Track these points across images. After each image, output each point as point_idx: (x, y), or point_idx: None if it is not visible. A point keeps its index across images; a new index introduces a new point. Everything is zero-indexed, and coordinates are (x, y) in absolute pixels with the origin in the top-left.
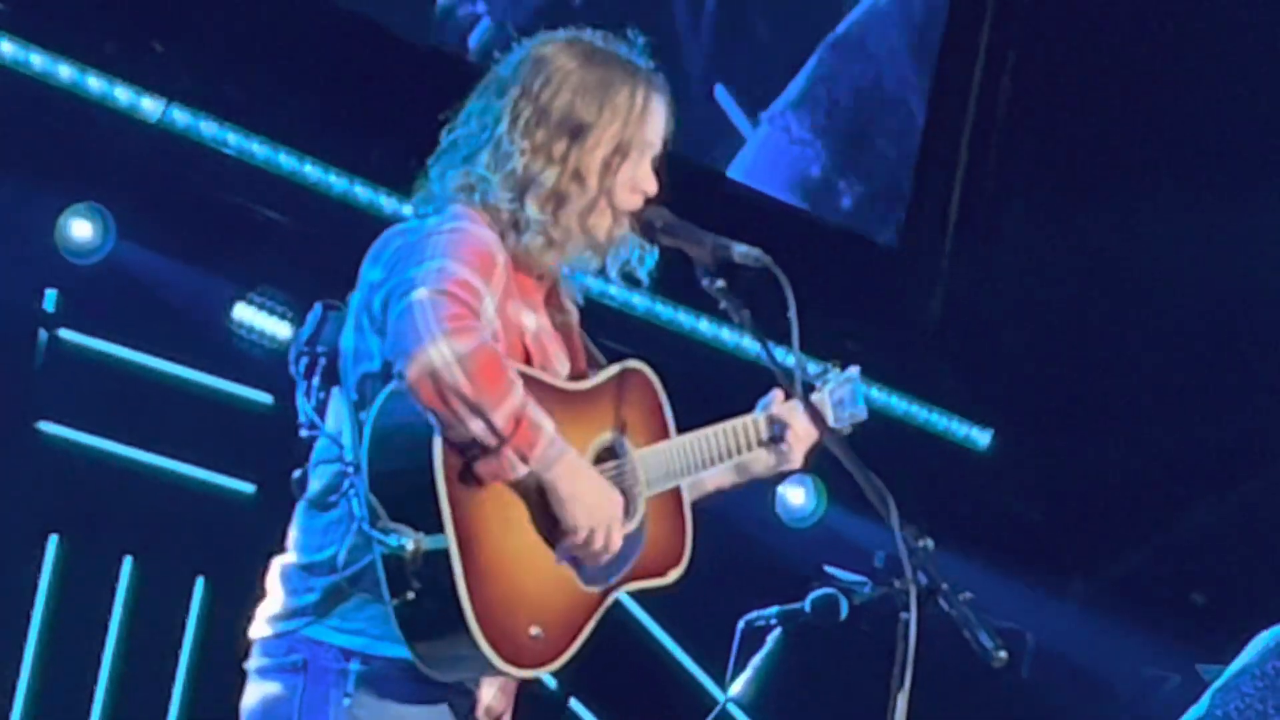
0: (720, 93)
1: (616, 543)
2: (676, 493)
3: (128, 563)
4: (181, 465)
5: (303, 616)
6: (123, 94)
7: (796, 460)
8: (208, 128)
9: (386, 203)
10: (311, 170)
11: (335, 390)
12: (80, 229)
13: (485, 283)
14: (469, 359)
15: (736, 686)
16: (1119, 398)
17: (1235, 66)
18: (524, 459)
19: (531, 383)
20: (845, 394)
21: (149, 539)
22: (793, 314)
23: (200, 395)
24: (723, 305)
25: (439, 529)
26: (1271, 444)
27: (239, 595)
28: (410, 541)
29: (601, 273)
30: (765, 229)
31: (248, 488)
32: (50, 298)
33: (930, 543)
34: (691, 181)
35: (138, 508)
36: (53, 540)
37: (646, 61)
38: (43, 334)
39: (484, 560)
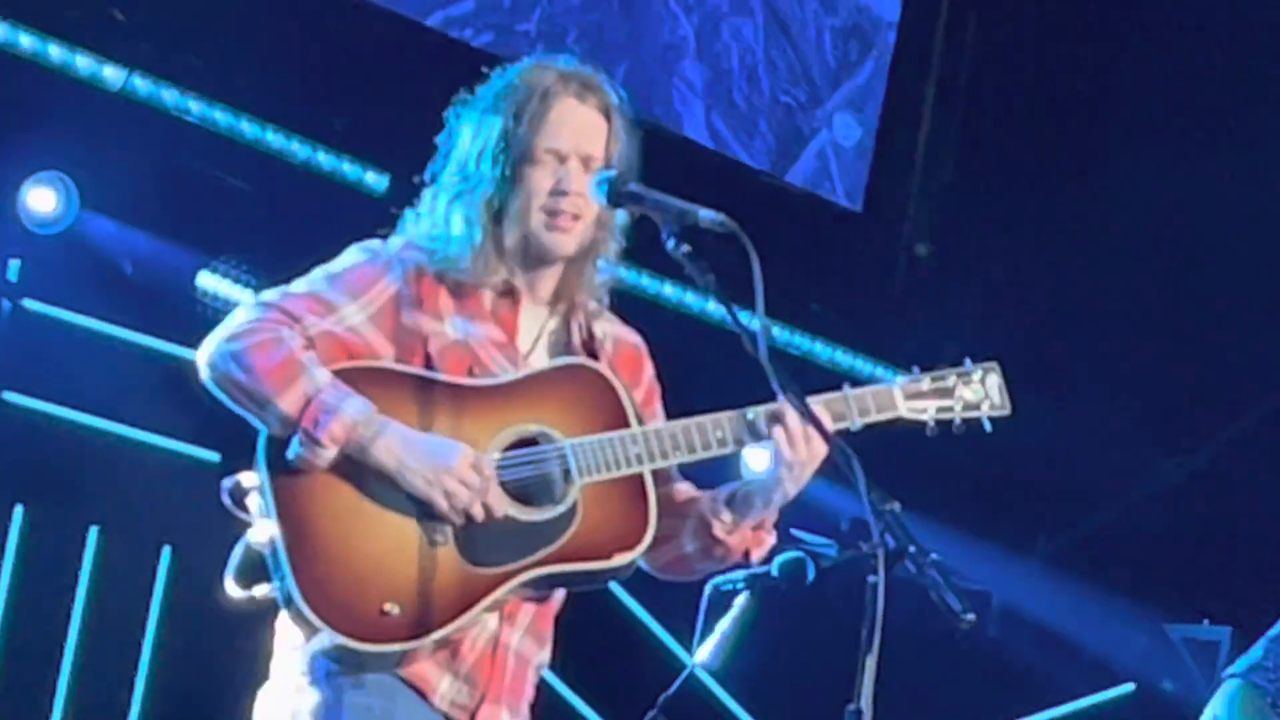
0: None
1: (472, 481)
2: (638, 480)
3: (93, 532)
4: (146, 434)
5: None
6: (84, 63)
7: (795, 454)
8: (170, 96)
9: (349, 169)
10: (274, 138)
11: None
12: (42, 199)
13: (352, 296)
14: (244, 353)
15: (704, 651)
16: (1084, 358)
17: (1199, 20)
18: (316, 440)
19: (414, 381)
20: (959, 386)
21: (115, 508)
22: (758, 278)
23: (165, 364)
24: (688, 270)
25: (272, 519)
26: (1236, 403)
27: (205, 564)
28: (264, 534)
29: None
30: (728, 193)
31: (213, 456)
32: (13, 268)
33: (897, 506)
34: (656, 146)
35: (103, 477)
36: (18, 511)
37: (575, 69)
38: (6, 304)
39: (319, 542)
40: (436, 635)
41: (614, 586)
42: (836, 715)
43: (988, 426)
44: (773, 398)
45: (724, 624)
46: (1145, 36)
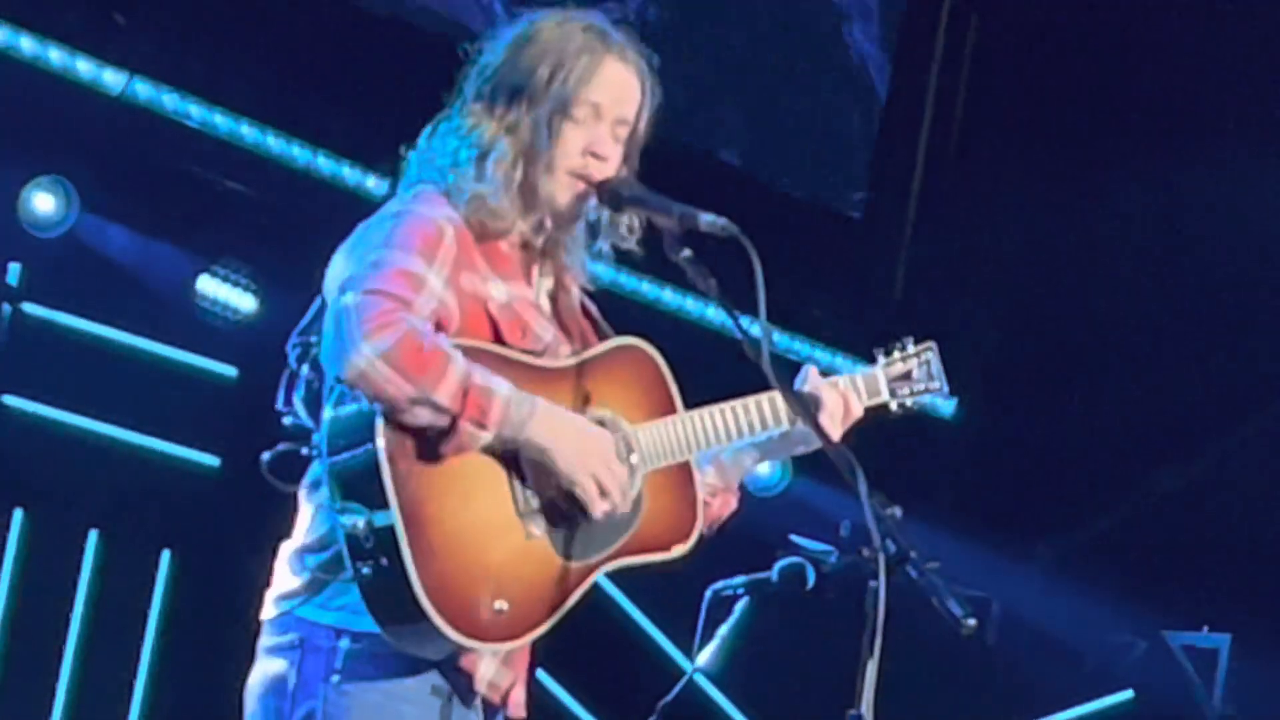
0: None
1: (622, 475)
2: (686, 468)
3: (93, 536)
4: (146, 438)
5: (297, 596)
6: (85, 66)
7: (829, 437)
8: (170, 100)
9: (349, 174)
10: (274, 142)
11: None
12: (43, 202)
13: (428, 263)
14: (392, 353)
15: (703, 656)
16: (1083, 365)
17: (1200, 33)
18: (482, 426)
19: (498, 360)
20: (914, 368)
21: (114, 512)
22: (760, 284)
23: (164, 368)
24: (690, 275)
25: (385, 506)
26: (1235, 409)
27: (205, 568)
28: (361, 518)
29: (597, 254)
30: (729, 199)
31: (212, 460)
32: (13, 271)
33: (898, 511)
34: (654, 152)
35: (103, 481)
36: (18, 514)
37: (618, 32)
38: (6, 308)
39: (436, 535)
40: (539, 631)
41: (613, 592)
42: None
43: (926, 405)
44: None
45: (724, 629)
46: (1150, 44)
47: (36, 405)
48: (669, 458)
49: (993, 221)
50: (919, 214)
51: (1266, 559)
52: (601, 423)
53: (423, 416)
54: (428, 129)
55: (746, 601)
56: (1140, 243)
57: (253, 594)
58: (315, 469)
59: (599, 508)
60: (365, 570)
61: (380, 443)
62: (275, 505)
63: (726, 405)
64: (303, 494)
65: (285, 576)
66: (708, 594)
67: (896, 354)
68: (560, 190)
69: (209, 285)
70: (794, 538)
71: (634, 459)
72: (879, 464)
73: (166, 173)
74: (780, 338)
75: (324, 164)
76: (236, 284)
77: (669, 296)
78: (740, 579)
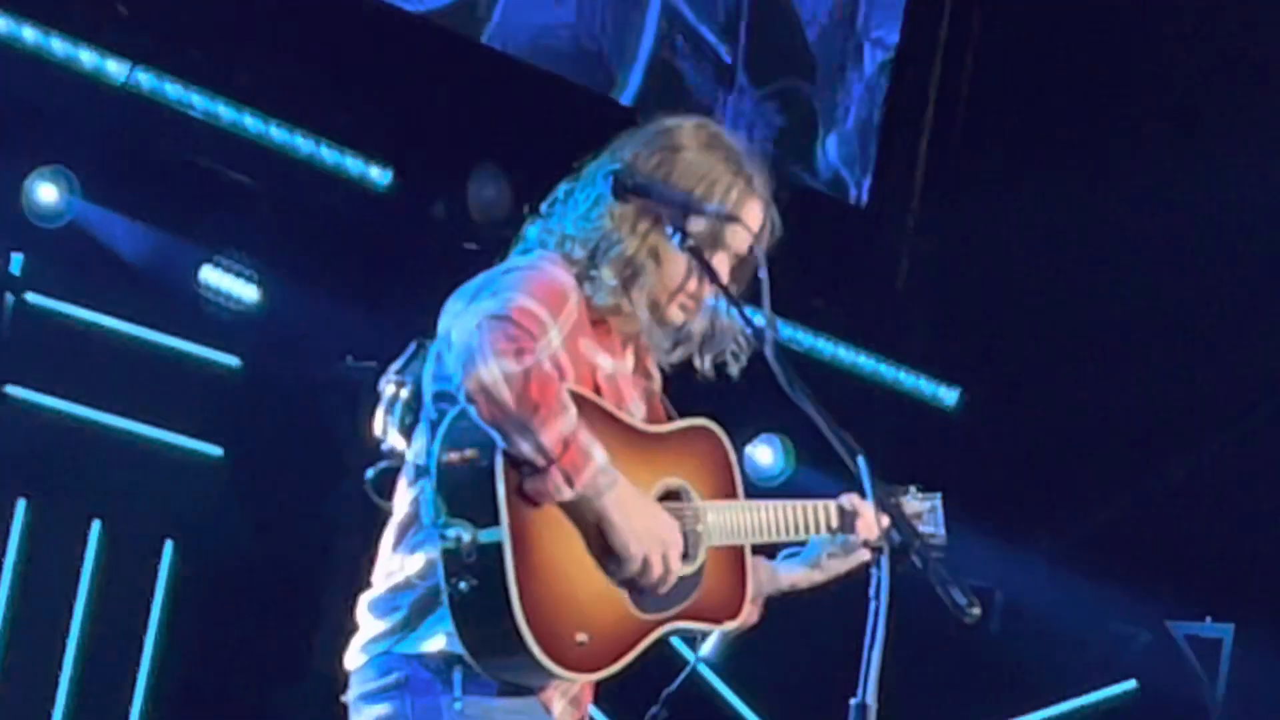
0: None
1: (675, 567)
2: (739, 552)
3: (96, 526)
4: (149, 428)
5: (393, 635)
6: (87, 56)
7: (863, 552)
8: (173, 90)
9: (352, 165)
10: (278, 133)
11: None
12: (46, 192)
13: (553, 316)
14: (517, 379)
15: (706, 646)
16: (1086, 355)
17: (1206, 26)
18: (570, 482)
19: (600, 414)
20: (924, 511)
21: (117, 502)
22: (763, 272)
23: (168, 358)
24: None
25: (494, 523)
26: (1239, 400)
27: (207, 558)
28: (466, 533)
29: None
30: None
31: (215, 450)
32: (16, 261)
33: (906, 496)
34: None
35: (106, 471)
36: (21, 504)
37: (761, 163)
38: (9, 298)
39: (536, 559)
40: (605, 673)
41: None
42: (840, 710)
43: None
44: (781, 396)
45: None
46: (1156, 34)
47: (39, 395)
48: (729, 539)
49: (997, 209)
50: (923, 202)
51: (1270, 549)
52: (677, 491)
53: (524, 448)
54: (557, 196)
55: None
56: (1146, 232)
57: (255, 583)
58: (403, 507)
59: (654, 587)
60: (461, 585)
61: (499, 464)
62: (278, 495)
63: (787, 503)
64: (387, 536)
65: (373, 622)
66: None
67: (908, 500)
68: (680, 314)
69: (212, 275)
70: None
71: (700, 528)
72: (882, 454)
73: (169, 163)
74: (781, 328)
75: (327, 154)
76: (239, 274)
77: None
78: None
